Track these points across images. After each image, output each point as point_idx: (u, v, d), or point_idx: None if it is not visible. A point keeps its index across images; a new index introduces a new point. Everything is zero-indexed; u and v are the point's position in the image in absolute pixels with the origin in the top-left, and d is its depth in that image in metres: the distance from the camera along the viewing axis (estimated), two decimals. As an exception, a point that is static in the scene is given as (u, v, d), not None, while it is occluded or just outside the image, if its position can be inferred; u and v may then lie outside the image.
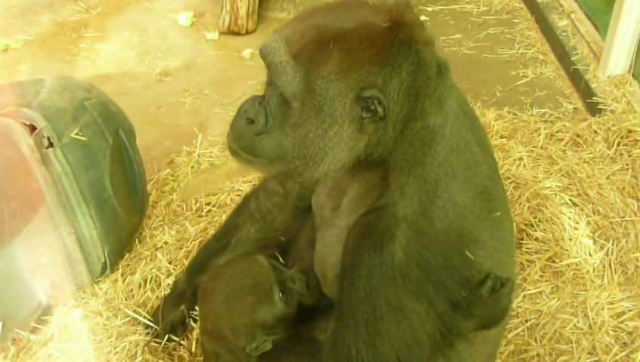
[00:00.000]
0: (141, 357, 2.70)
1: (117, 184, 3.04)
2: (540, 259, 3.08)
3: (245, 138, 1.84)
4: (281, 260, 2.44)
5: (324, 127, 1.74)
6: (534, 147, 3.76)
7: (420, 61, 1.73)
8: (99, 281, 3.05)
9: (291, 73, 1.70)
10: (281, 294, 2.24)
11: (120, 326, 2.82)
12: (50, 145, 2.78)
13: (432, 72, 1.78)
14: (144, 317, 2.85)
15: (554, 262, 3.07)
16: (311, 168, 1.82)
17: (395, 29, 1.70)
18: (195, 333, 2.75)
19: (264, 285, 2.24)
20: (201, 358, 2.59)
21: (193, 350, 2.70)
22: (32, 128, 2.75)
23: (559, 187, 3.44)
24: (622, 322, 2.82)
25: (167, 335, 2.76)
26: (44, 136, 2.76)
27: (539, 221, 3.23)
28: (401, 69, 1.71)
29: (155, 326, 2.80)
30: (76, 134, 2.86)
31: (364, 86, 1.69)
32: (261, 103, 1.82)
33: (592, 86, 4.20)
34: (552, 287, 2.98)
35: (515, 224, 3.16)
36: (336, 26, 1.70)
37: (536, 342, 2.77)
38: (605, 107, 4.00)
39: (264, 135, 1.81)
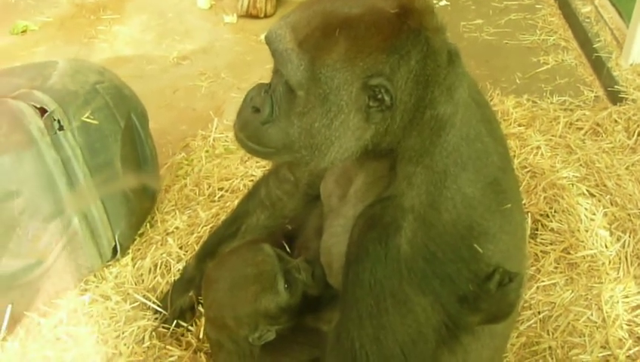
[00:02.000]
0: (149, 343, 2.70)
1: (128, 168, 3.03)
2: (554, 250, 3.03)
3: (251, 127, 1.80)
4: (288, 249, 2.42)
5: (329, 117, 1.70)
6: (553, 136, 3.70)
7: (429, 48, 1.69)
8: (109, 265, 3.06)
9: (296, 61, 1.66)
10: (285, 284, 2.21)
11: (129, 311, 2.83)
12: (61, 128, 2.77)
13: (443, 59, 1.73)
14: (153, 302, 2.85)
15: (569, 253, 3.02)
16: (317, 157, 1.78)
17: (403, 16, 1.65)
18: (204, 319, 2.73)
19: (268, 274, 2.21)
20: (209, 344, 2.59)
21: (201, 336, 2.68)
22: (43, 111, 2.74)
23: (577, 177, 3.38)
24: (636, 316, 2.77)
25: (175, 321, 2.75)
26: (54, 120, 2.75)
27: (555, 211, 3.18)
28: (409, 57, 1.67)
29: (164, 312, 2.80)
30: (87, 118, 2.86)
31: (370, 74, 1.65)
32: (267, 92, 1.78)
33: (614, 74, 4.12)
34: (567, 279, 2.93)
35: (530, 214, 3.14)
36: (342, 12, 1.65)
37: (548, 334, 2.73)
38: (627, 96, 3.93)
39: (270, 124, 1.78)
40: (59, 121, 2.76)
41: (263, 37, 4.93)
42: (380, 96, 1.67)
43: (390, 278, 1.74)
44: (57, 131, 2.76)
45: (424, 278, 1.75)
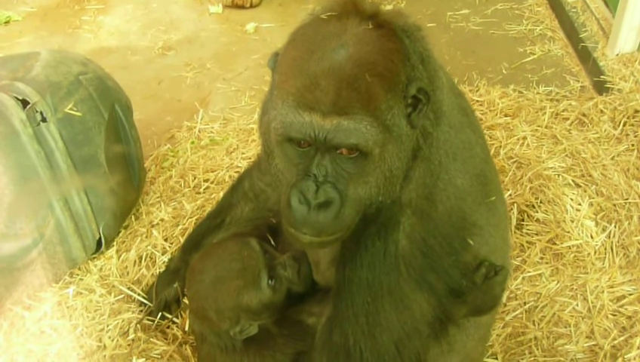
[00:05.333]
0: (134, 335, 2.68)
1: (112, 160, 3.00)
2: (540, 240, 3.04)
3: (330, 223, 1.68)
4: (273, 243, 2.39)
5: (404, 149, 1.69)
6: (539, 126, 3.71)
7: (408, 26, 1.71)
8: (93, 258, 3.03)
9: (362, 125, 1.59)
10: (269, 281, 2.19)
11: (113, 304, 2.81)
12: (44, 120, 2.74)
13: (420, 30, 1.75)
14: (138, 295, 2.83)
15: (555, 244, 3.03)
16: (393, 191, 1.73)
17: (379, 24, 1.65)
18: (189, 311, 2.72)
19: (252, 270, 2.20)
20: (194, 337, 2.58)
21: (186, 328, 2.68)
22: (25, 103, 2.71)
23: (562, 167, 3.38)
24: (622, 306, 2.78)
25: (160, 313, 2.74)
26: (37, 111, 2.72)
27: (540, 202, 3.18)
28: (414, 47, 1.69)
29: (149, 304, 2.79)
30: (70, 109, 2.83)
31: (405, 87, 1.65)
32: (318, 183, 1.66)
33: (601, 64, 4.12)
34: (552, 270, 2.94)
35: (516, 205, 3.14)
36: (346, 58, 1.59)
37: (534, 324, 2.75)
38: (613, 86, 3.93)
39: (344, 205, 1.68)
40: (41, 113, 2.73)
41: (248, 27, 4.95)
42: (410, 100, 1.66)
43: (388, 275, 1.74)
44: (40, 123, 2.73)
45: (422, 273, 1.75)
